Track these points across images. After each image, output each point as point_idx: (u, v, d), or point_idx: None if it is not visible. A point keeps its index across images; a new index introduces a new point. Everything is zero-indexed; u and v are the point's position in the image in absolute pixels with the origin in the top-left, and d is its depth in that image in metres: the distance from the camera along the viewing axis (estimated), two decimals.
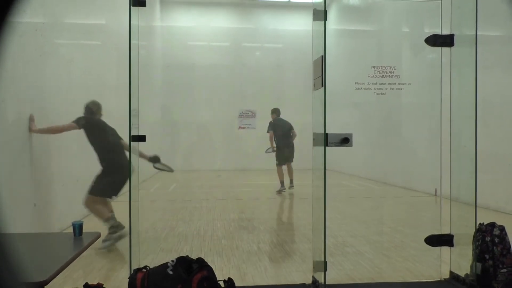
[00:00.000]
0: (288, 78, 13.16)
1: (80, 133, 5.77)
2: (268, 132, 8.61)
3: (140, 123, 3.13)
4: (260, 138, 11.88)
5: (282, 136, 8.47)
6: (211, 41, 13.64)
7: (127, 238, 3.10)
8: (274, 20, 13.87)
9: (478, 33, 3.02)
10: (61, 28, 5.32)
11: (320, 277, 3.03)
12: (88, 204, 4.51)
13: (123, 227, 4.33)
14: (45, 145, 4.59)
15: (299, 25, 12.74)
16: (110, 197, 4.65)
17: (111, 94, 7.08)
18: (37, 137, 4.40)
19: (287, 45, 13.43)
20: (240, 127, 13.49)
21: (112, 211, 4.57)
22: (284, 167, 8.48)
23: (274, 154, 8.52)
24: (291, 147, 8.53)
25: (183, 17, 13.73)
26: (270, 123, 8.66)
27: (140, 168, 3.17)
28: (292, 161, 8.45)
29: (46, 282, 1.65)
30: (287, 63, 13.39)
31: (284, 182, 8.36)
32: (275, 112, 8.72)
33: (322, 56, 2.88)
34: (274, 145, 8.51)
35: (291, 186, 8.42)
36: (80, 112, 5.79)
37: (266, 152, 8.66)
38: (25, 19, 3.99)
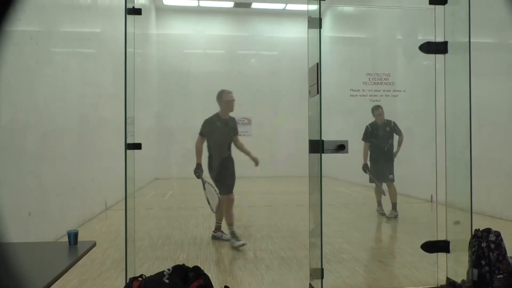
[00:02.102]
0: (283, 85, 13.21)
1: (75, 142, 5.75)
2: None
3: (136, 130, 3.13)
4: (256, 145, 11.86)
5: (378, 146, 6.22)
6: (207, 48, 13.70)
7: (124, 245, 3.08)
8: (269, 28, 13.96)
9: (471, 40, 3.06)
10: (56, 36, 5.32)
11: (317, 285, 3.02)
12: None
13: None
14: (40, 154, 4.57)
15: (295, 32, 12.81)
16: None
17: (106, 102, 7.08)
18: (31, 145, 4.38)
19: (283, 52, 13.51)
20: None
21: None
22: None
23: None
24: (389, 160, 6.22)
25: (178, 25, 13.79)
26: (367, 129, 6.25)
27: (136, 175, 3.16)
28: (391, 179, 6.19)
29: None
30: (283, 70, 13.45)
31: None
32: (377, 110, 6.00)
33: (317, 63, 2.89)
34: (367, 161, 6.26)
35: (392, 215, 6.11)
36: (74, 120, 5.79)
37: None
38: (20, 27, 4.00)
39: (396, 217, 6.06)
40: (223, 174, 5.07)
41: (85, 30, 6.59)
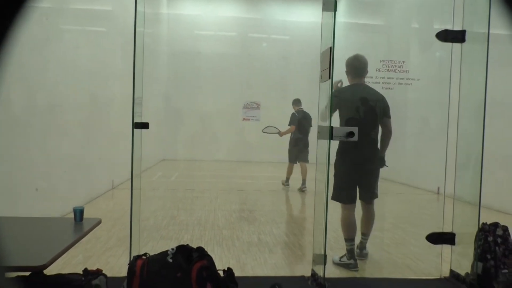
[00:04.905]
0: (294, 70, 13.09)
1: (83, 120, 5.76)
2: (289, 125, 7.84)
3: (143, 111, 3.11)
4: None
5: (299, 131, 7.72)
6: (218, 30, 13.56)
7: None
8: (282, 11, 13.76)
9: (490, 31, 2.96)
10: (67, 13, 5.28)
11: (319, 270, 3.02)
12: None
13: (355, 265, 3.50)
14: (48, 130, 4.58)
15: (307, 16, 12.64)
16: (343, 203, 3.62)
17: (115, 81, 7.06)
18: (39, 121, 4.39)
19: (294, 37, 13.34)
20: (244, 119, 13.47)
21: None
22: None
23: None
24: (306, 144, 7.69)
25: (190, 5, 13.64)
26: (293, 115, 7.86)
27: (143, 156, 3.15)
28: (307, 160, 7.62)
29: (46, 266, 1.64)
30: (294, 55, 13.30)
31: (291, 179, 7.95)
32: (295, 102, 7.97)
33: (330, 48, 2.83)
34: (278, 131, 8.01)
35: (303, 188, 7.64)
36: (82, 97, 5.79)
37: (264, 131, 8.16)
38: (30, 3, 3.95)
39: (304, 190, 7.63)
40: None
41: (96, 8, 6.53)
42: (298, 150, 7.76)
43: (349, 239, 3.54)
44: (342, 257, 3.57)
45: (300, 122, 7.73)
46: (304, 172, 7.67)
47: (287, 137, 8.01)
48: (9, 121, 3.70)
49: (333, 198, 3.50)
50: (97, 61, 6.28)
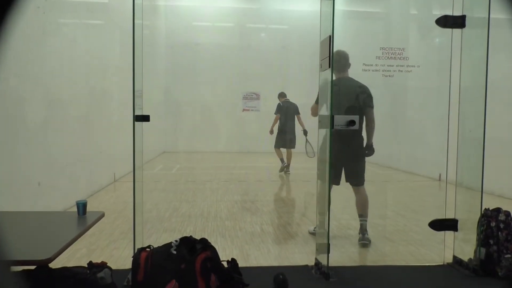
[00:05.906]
0: (293, 60, 13.01)
1: (83, 113, 5.75)
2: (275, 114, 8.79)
3: (143, 103, 3.10)
4: (264, 120, 11.85)
5: (284, 120, 8.58)
6: (216, 21, 13.46)
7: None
8: (279, 0, 13.63)
9: (490, 16, 2.93)
10: (63, 6, 5.23)
11: (323, 259, 3.04)
12: None
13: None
14: (47, 125, 4.58)
15: (305, 5, 12.52)
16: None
17: (114, 74, 7.03)
18: (39, 115, 4.38)
19: (293, 26, 13.24)
20: (244, 109, 13.44)
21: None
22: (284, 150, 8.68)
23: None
24: (292, 132, 8.55)
25: None
26: (278, 105, 8.79)
27: (144, 149, 3.15)
28: (293, 147, 8.50)
29: (50, 260, 1.65)
30: (293, 44, 13.21)
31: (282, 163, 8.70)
32: (281, 95, 8.91)
33: (330, 36, 2.81)
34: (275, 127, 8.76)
35: (287, 171, 8.56)
36: (81, 91, 5.77)
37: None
38: None
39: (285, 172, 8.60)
40: None
41: (93, 0, 6.48)
42: (283, 137, 8.55)
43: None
44: (315, 227, 3.67)
45: (284, 111, 8.55)
46: (289, 157, 8.54)
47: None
48: (8, 116, 3.69)
49: (319, 177, 3.61)
50: (95, 54, 6.25)
